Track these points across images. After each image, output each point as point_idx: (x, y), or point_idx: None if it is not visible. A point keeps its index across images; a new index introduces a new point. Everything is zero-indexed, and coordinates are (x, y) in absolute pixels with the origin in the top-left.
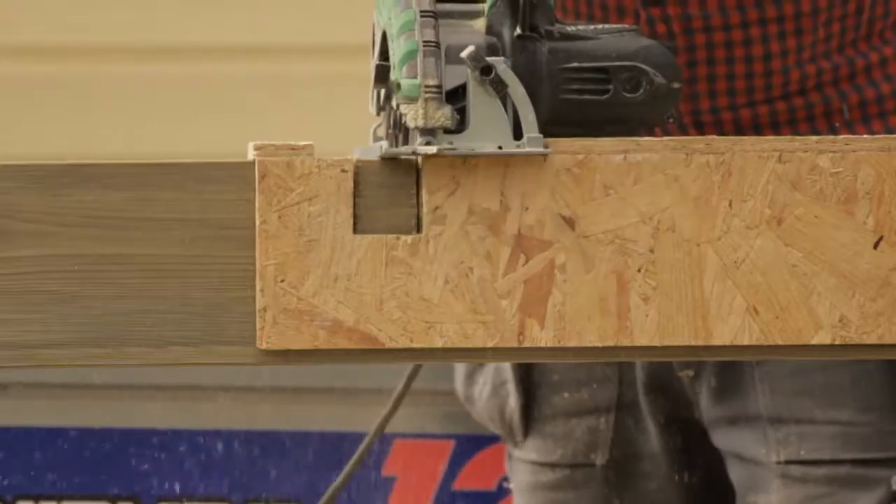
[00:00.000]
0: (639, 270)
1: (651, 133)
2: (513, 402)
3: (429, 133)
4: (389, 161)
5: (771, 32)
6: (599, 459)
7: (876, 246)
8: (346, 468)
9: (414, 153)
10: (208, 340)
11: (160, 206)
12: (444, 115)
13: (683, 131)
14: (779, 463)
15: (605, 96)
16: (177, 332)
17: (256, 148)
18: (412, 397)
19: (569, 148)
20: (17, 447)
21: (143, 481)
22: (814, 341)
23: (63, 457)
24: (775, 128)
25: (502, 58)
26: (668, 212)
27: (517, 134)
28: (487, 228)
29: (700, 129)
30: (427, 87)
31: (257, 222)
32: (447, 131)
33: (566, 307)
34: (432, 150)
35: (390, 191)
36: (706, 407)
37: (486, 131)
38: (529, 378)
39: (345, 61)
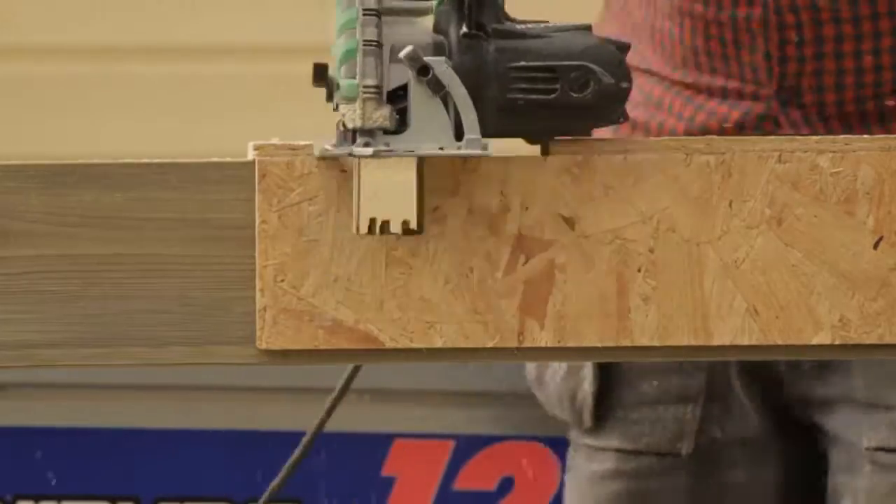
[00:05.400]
0: (639, 270)
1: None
2: (587, 386)
3: (367, 133)
4: (389, 161)
5: None
6: (685, 448)
7: (876, 246)
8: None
9: (350, 154)
10: (208, 340)
11: (160, 206)
12: (382, 115)
13: (810, 124)
14: (868, 449)
15: (553, 96)
16: (176, 333)
17: (256, 148)
18: (412, 397)
19: (569, 148)
20: (17, 447)
21: (143, 481)
22: (814, 341)
23: (63, 457)
24: None
25: (443, 57)
26: (668, 212)
27: (460, 134)
28: (487, 228)
29: (825, 122)
30: (366, 87)
31: (257, 222)
32: (387, 132)
33: (566, 307)
34: (368, 151)
35: None
36: (804, 387)
37: (428, 132)
38: (611, 364)
39: None
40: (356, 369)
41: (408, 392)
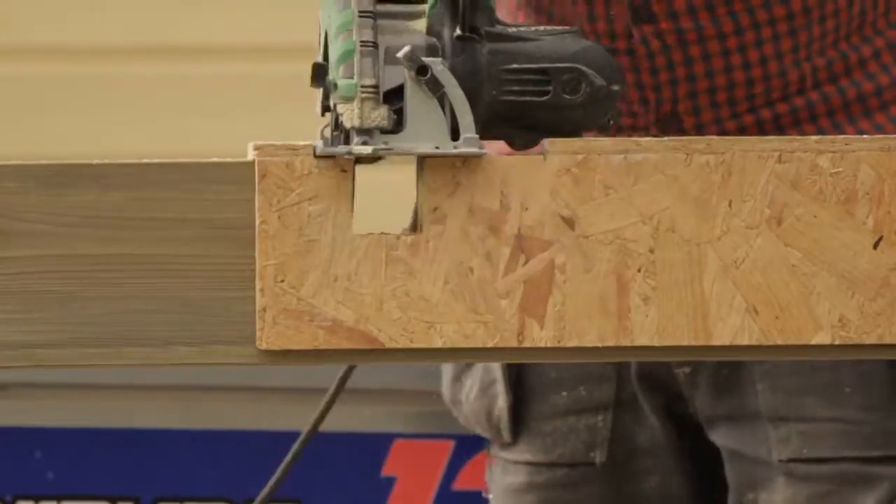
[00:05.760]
0: (639, 270)
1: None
2: (501, 401)
3: (365, 133)
4: (388, 160)
5: (765, 36)
6: (599, 458)
7: (876, 246)
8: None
9: (349, 153)
10: (208, 340)
11: (160, 206)
12: (380, 115)
13: None
14: (781, 461)
15: (545, 98)
16: (176, 333)
17: (256, 148)
18: (412, 397)
19: (569, 148)
20: (17, 447)
21: (143, 481)
22: (814, 341)
23: (63, 457)
24: (780, 131)
25: (440, 58)
26: (668, 212)
27: (455, 135)
28: (487, 228)
29: None
30: (363, 87)
31: (257, 222)
32: (384, 131)
33: (566, 307)
34: (367, 150)
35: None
36: (703, 404)
37: (424, 132)
38: (521, 377)
39: None
40: (350, 370)
41: (408, 392)
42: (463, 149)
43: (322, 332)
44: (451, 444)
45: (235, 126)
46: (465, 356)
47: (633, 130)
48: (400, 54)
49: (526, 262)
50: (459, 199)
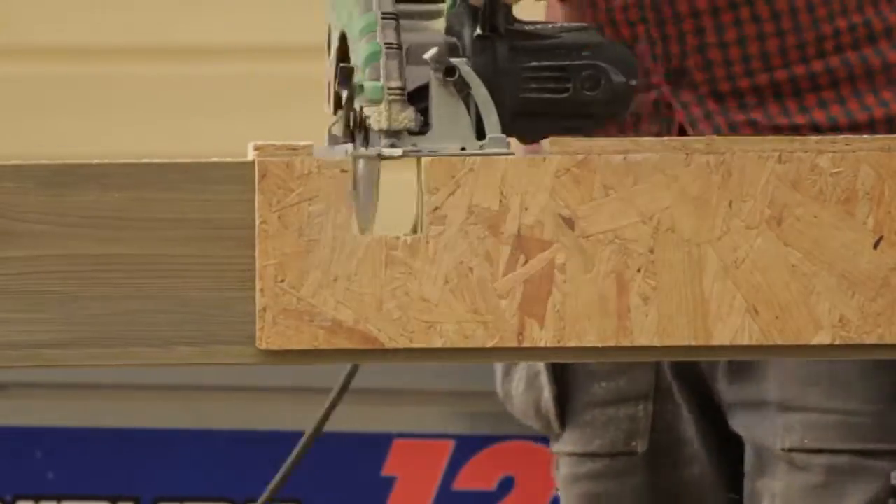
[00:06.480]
0: (639, 270)
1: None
2: (546, 393)
3: (393, 135)
4: (389, 161)
5: None
6: (640, 447)
7: (876, 246)
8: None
9: (379, 155)
10: (208, 340)
11: (160, 206)
12: (407, 116)
13: (702, 105)
14: (783, 450)
15: (565, 95)
16: (176, 333)
17: (256, 148)
18: (412, 397)
19: (569, 148)
20: (17, 447)
21: (143, 481)
22: (814, 341)
23: (63, 457)
24: (798, 95)
25: (464, 59)
26: (668, 212)
27: (480, 134)
28: (487, 228)
29: (720, 101)
30: (390, 89)
31: (257, 222)
32: (411, 132)
33: (566, 307)
34: (398, 152)
35: None
36: (723, 390)
37: (450, 132)
38: (564, 368)
39: None
40: (354, 369)
41: (408, 392)
42: (490, 148)
43: (322, 332)
44: (451, 444)
45: (235, 126)
46: (465, 356)
47: (648, 89)
48: (427, 56)
49: (526, 262)
50: (459, 199)
